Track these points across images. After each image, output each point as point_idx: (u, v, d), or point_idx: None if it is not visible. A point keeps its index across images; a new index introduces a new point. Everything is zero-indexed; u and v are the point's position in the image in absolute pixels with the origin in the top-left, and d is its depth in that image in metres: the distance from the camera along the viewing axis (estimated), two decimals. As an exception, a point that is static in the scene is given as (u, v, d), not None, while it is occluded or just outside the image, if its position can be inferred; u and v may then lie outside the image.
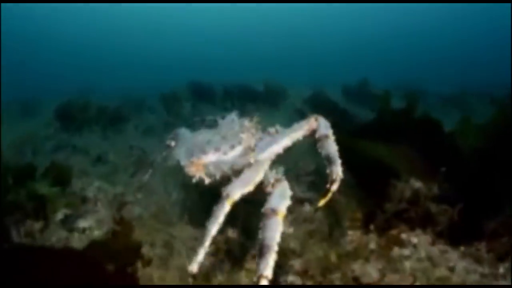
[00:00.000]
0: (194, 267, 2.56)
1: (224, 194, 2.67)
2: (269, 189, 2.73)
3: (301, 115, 4.01)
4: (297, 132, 3.18)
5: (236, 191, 2.69)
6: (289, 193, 2.66)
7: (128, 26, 53.49)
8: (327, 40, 46.36)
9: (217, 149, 3.26)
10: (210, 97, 11.30)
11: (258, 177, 2.82)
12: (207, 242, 2.57)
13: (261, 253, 2.31)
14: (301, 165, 4.76)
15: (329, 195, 2.78)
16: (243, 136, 3.36)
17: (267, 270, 2.23)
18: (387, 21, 48.35)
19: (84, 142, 7.78)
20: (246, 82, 12.03)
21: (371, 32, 46.71)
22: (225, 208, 2.63)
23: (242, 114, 3.79)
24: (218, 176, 3.16)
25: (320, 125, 3.13)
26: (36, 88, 18.38)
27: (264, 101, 10.94)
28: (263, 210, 2.53)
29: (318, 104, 10.07)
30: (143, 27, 53.99)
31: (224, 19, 55.27)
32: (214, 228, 2.58)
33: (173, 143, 3.85)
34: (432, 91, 15.61)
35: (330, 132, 3.10)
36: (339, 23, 52.19)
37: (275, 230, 2.40)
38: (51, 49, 43.21)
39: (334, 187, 2.79)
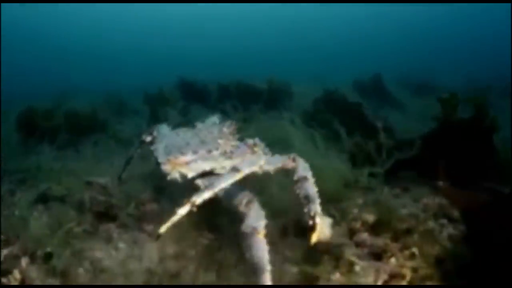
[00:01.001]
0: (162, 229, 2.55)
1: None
2: (242, 208, 2.78)
3: (311, 119, 4.06)
4: (270, 165, 3.23)
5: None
6: (263, 212, 2.72)
7: (115, 22, 51.40)
8: (329, 36, 44.71)
9: (194, 152, 3.38)
10: (203, 98, 9.58)
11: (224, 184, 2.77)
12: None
13: (256, 274, 2.40)
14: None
15: (317, 228, 2.78)
16: (221, 142, 3.52)
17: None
18: (387, 20, 47.03)
19: (44, 160, 6.01)
20: (246, 80, 10.29)
21: (371, 30, 45.20)
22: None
23: (228, 117, 4.13)
24: (190, 177, 3.28)
25: (299, 166, 3.15)
26: (10, 90, 16.37)
27: (267, 102, 9.29)
28: (242, 228, 2.60)
29: (333, 105, 8.45)
30: (134, 23, 51.89)
31: (219, 13, 53.29)
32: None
33: (148, 138, 4.22)
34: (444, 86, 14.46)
35: (309, 173, 3.09)
36: (341, 19, 50.61)
37: (262, 249, 2.47)
38: (30, 48, 40.78)
39: (317, 220, 2.80)
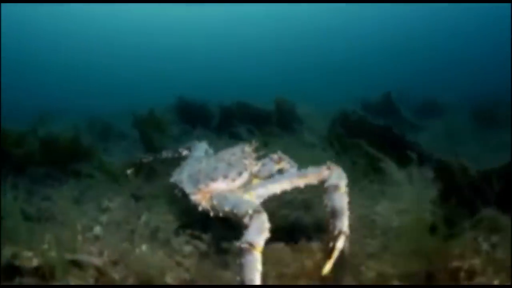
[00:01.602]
0: None
1: (244, 246, 2.36)
2: (246, 220, 2.57)
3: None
4: (302, 179, 3.06)
5: (259, 239, 2.41)
6: (267, 226, 2.50)
7: (100, 37, 49.81)
8: (321, 51, 43.98)
9: (225, 176, 3.20)
10: (206, 120, 8.33)
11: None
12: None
13: None
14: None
15: (335, 254, 2.54)
16: (246, 162, 3.39)
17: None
18: (381, 34, 46.66)
19: (9, 202, 4.65)
20: (248, 100, 9.08)
21: (367, 41, 44.63)
22: (257, 258, 2.32)
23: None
24: (221, 214, 2.97)
25: (332, 174, 2.97)
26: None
27: (277, 125, 8.10)
28: (239, 244, 2.40)
29: (354, 128, 7.34)
30: (121, 39, 50.23)
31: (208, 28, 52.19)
32: (258, 279, 2.25)
33: (185, 152, 4.49)
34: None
35: (343, 182, 2.90)
36: (329, 31, 49.93)
37: (253, 269, 2.25)
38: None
39: (339, 244, 2.58)
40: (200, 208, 3.18)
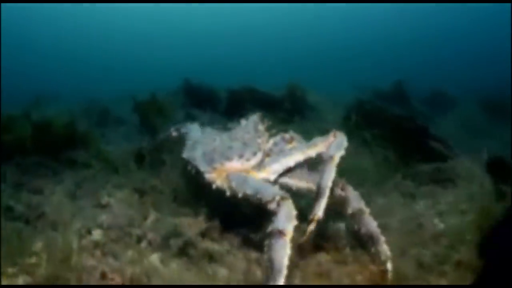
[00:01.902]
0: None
1: (275, 232, 2.40)
2: (273, 206, 2.57)
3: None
4: (312, 149, 3.10)
5: (289, 227, 2.44)
6: (294, 212, 2.52)
7: (101, 23, 48.33)
8: (324, 40, 43.07)
9: (240, 156, 3.17)
10: (214, 105, 7.69)
11: (293, 212, 2.52)
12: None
13: (271, 274, 2.28)
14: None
15: (311, 228, 2.72)
16: (260, 141, 3.35)
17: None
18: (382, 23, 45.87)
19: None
20: (256, 86, 8.46)
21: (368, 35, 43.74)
22: (287, 243, 2.36)
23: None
24: (240, 195, 2.90)
25: (333, 143, 3.02)
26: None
27: (289, 112, 7.50)
28: (269, 230, 2.45)
29: (371, 118, 6.77)
30: (122, 25, 48.81)
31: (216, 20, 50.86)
32: (285, 263, 2.33)
33: (174, 133, 4.40)
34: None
35: (338, 154, 2.95)
36: (334, 22, 48.88)
37: (283, 254, 2.33)
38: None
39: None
40: (214, 186, 3.13)
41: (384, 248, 2.76)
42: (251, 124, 3.65)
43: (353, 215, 2.94)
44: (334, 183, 2.88)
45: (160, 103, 7.68)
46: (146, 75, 21.28)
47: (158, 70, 24.91)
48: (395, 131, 6.07)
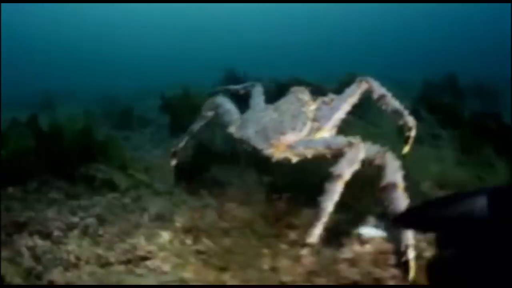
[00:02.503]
0: (314, 238, 2.48)
1: (335, 174, 2.58)
2: (345, 149, 2.68)
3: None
4: (353, 97, 3.32)
5: (347, 171, 2.59)
6: (361, 157, 2.63)
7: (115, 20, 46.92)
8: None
9: (293, 128, 3.26)
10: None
11: (362, 155, 2.66)
12: (325, 218, 2.50)
13: (317, 215, 2.46)
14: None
15: (411, 141, 3.26)
16: (305, 110, 3.41)
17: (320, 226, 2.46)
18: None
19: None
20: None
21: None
22: (338, 188, 2.54)
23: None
24: (309, 155, 2.97)
25: (373, 85, 3.34)
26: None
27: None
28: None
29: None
30: (136, 22, 47.28)
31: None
32: (330, 206, 2.51)
33: (209, 113, 4.12)
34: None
35: (384, 90, 3.33)
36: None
37: (332, 196, 2.48)
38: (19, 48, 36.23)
39: (413, 133, 3.28)
40: (273, 160, 3.12)
41: (409, 118, 3.27)
42: (292, 96, 3.62)
43: (379, 99, 3.38)
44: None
45: (196, 99, 6.27)
46: (165, 70, 19.74)
47: (176, 65, 23.37)
48: (475, 131, 5.36)
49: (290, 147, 3.11)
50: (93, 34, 42.12)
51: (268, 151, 3.16)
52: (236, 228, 2.78)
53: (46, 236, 2.89)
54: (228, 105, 3.98)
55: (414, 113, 5.56)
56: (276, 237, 2.73)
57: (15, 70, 20.55)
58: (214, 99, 4.15)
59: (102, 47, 37.45)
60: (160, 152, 5.53)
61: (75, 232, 2.96)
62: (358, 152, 2.63)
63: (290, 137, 3.20)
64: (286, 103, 3.58)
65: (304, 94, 3.61)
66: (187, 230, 2.80)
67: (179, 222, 2.95)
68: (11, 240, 2.79)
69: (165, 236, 2.75)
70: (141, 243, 2.68)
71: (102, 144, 4.47)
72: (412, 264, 2.31)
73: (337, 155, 2.70)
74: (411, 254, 2.35)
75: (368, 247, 2.52)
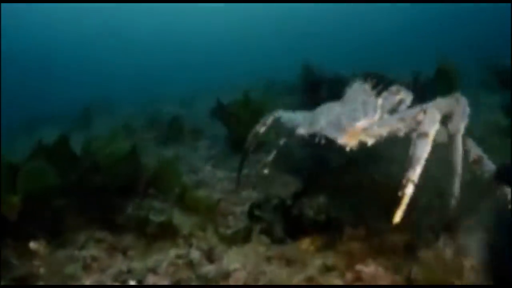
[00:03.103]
0: (415, 177, 2.35)
1: (421, 132, 2.51)
2: (420, 117, 2.64)
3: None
4: (401, 123, 2.87)
5: (432, 130, 2.52)
6: (438, 118, 2.59)
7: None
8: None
9: (366, 114, 3.21)
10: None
11: (438, 116, 2.61)
12: (420, 166, 2.36)
13: (411, 163, 2.38)
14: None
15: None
16: (373, 99, 3.38)
17: (414, 176, 2.33)
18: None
19: None
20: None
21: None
22: (428, 145, 2.45)
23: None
24: (385, 133, 2.91)
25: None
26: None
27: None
28: (415, 133, 2.54)
29: None
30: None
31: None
32: (423, 156, 2.40)
33: (262, 129, 3.97)
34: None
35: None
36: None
37: (424, 150, 2.42)
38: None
39: (409, 189, 2.40)
40: (347, 148, 3.01)
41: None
42: (358, 88, 3.59)
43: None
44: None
45: (257, 105, 5.04)
46: (203, 72, 18.53)
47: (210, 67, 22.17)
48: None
49: (365, 130, 3.07)
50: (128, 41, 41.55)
51: (342, 140, 3.10)
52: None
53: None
54: (287, 114, 3.90)
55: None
56: None
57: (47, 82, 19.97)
58: (272, 113, 4.02)
59: (131, 52, 36.66)
60: (224, 174, 4.30)
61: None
62: (435, 112, 2.62)
63: (363, 124, 3.16)
64: (353, 94, 3.55)
65: (369, 85, 3.56)
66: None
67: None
68: None
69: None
70: None
71: (156, 172, 3.25)
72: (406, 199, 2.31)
73: (413, 127, 2.67)
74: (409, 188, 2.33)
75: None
